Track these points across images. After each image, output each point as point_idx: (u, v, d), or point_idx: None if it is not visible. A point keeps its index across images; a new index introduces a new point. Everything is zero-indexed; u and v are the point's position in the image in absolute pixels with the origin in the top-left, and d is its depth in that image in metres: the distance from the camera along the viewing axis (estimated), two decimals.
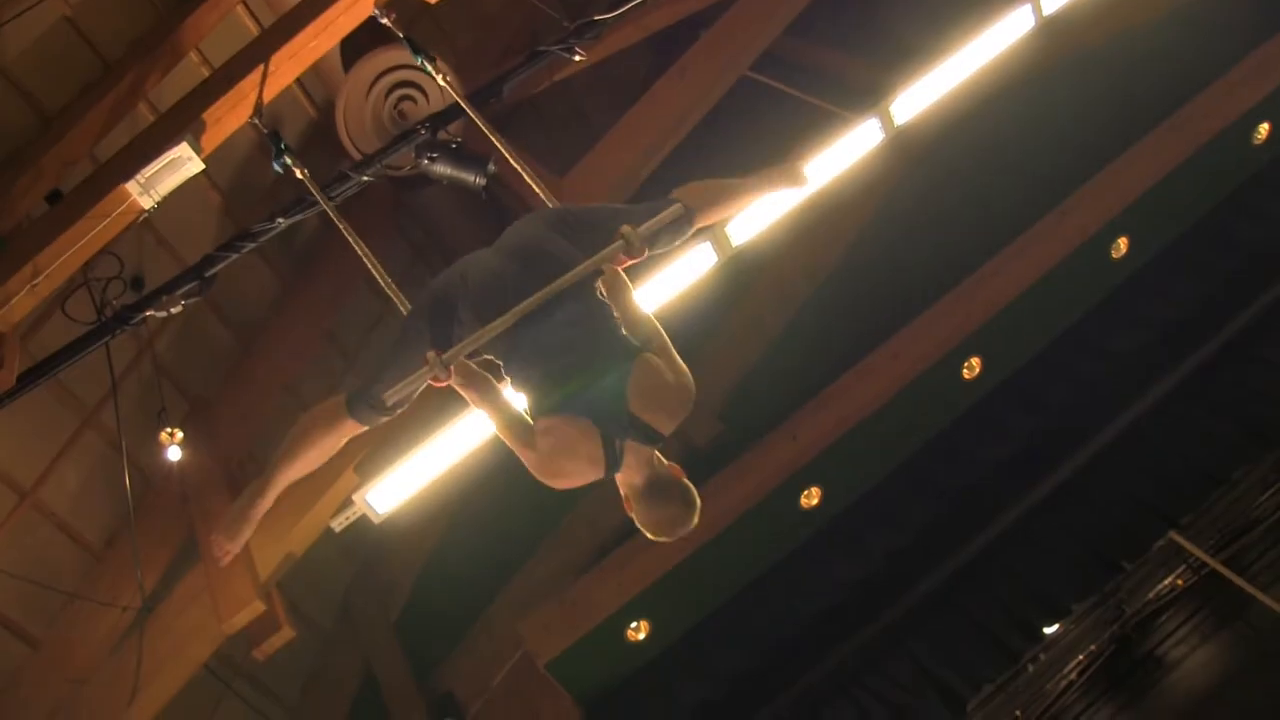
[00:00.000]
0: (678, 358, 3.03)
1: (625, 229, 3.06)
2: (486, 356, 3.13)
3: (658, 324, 3.09)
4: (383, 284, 3.65)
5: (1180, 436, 7.55)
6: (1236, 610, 8.31)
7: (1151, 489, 7.46)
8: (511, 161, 3.99)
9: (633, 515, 3.03)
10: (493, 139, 4.15)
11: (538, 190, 3.83)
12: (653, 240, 3.18)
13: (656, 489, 2.97)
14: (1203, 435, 7.53)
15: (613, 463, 2.92)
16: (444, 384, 2.97)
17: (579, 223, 3.22)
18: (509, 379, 3.10)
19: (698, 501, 2.99)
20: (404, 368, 3.05)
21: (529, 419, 2.96)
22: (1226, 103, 7.44)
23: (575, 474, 2.95)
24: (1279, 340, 7.70)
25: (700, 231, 3.50)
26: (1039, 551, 7.37)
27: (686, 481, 3.00)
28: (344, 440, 3.29)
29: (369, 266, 3.67)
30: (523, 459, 2.95)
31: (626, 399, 2.91)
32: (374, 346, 8.00)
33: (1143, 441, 7.55)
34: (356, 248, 3.82)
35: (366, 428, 3.24)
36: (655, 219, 3.16)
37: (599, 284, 3.14)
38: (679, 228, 3.30)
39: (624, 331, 3.06)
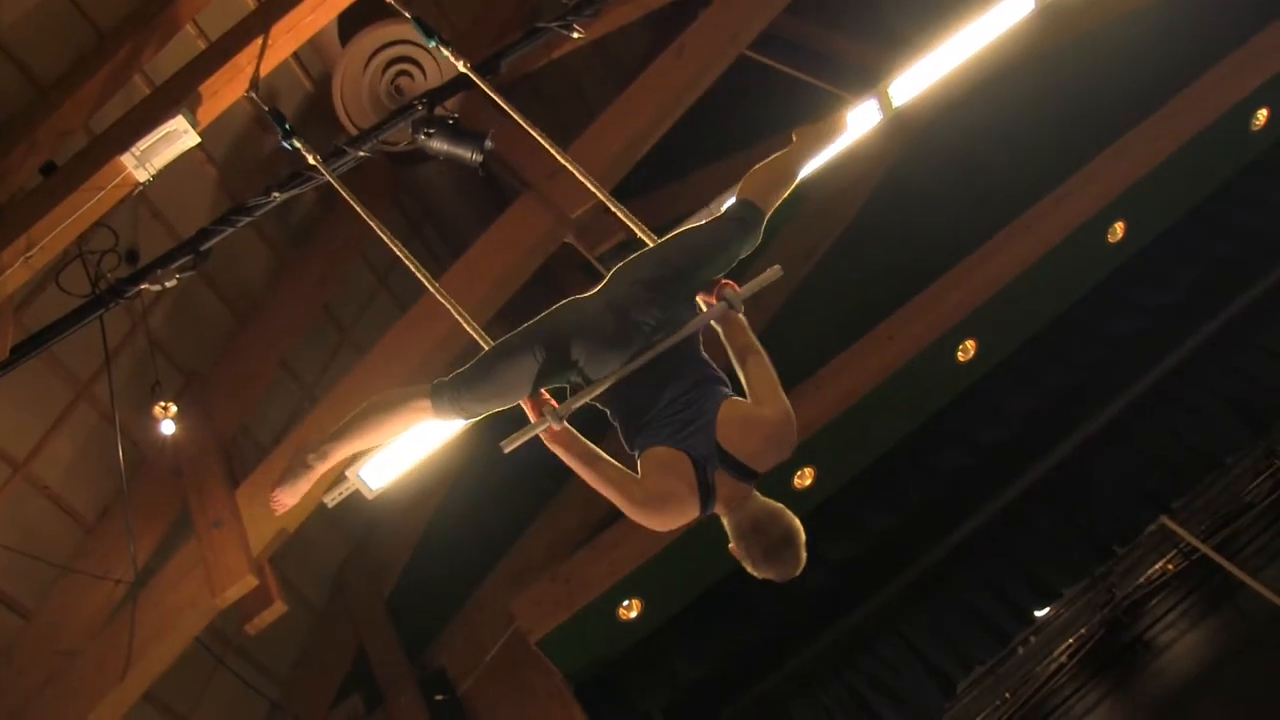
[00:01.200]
0: (783, 395, 3.19)
1: (729, 292, 3.26)
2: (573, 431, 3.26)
3: (769, 364, 3.27)
4: (398, 253, 3.67)
5: (1173, 421, 7.56)
6: (1226, 595, 8.36)
7: (1144, 473, 7.47)
8: (525, 127, 3.97)
9: (737, 557, 3.10)
10: (504, 107, 4.14)
11: (554, 153, 3.83)
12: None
13: (752, 524, 3.04)
14: (1196, 420, 7.54)
15: (705, 491, 3.04)
16: (556, 431, 3.12)
17: (678, 276, 3.28)
18: (613, 420, 3.25)
19: (799, 536, 3.05)
20: (498, 393, 3.17)
21: (626, 470, 3.08)
22: (1225, 88, 7.42)
23: (674, 501, 3.04)
24: (1273, 326, 7.71)
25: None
26: (1031, 534, 7.39)
27: (788, 517, 3.07)
28: (414, 425, 3.39)
29: (374, 240, 3.65)
30: (624, 507, 3.07)
31: (715, 432, 3.06)
32: (369, 321, 7.99)
33: (1136, 426, 7.56)
34: (368, 219, 3.82)
35: (441, 421, 3.34)
36: (755, 283, 3.28)
37: (717, 325, 3.32)
38: (756, 233, 3.43)
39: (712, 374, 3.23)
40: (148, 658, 5.25)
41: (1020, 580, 7.31)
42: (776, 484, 6.74)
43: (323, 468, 3.44)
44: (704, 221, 3.48)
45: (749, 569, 3.09)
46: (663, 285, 3.24)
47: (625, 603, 6.59)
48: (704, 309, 3.30)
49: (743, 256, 3.40)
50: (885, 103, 5.69)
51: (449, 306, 3.59)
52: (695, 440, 3.05)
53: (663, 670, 6.77)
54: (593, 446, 3.13)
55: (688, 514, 3.07)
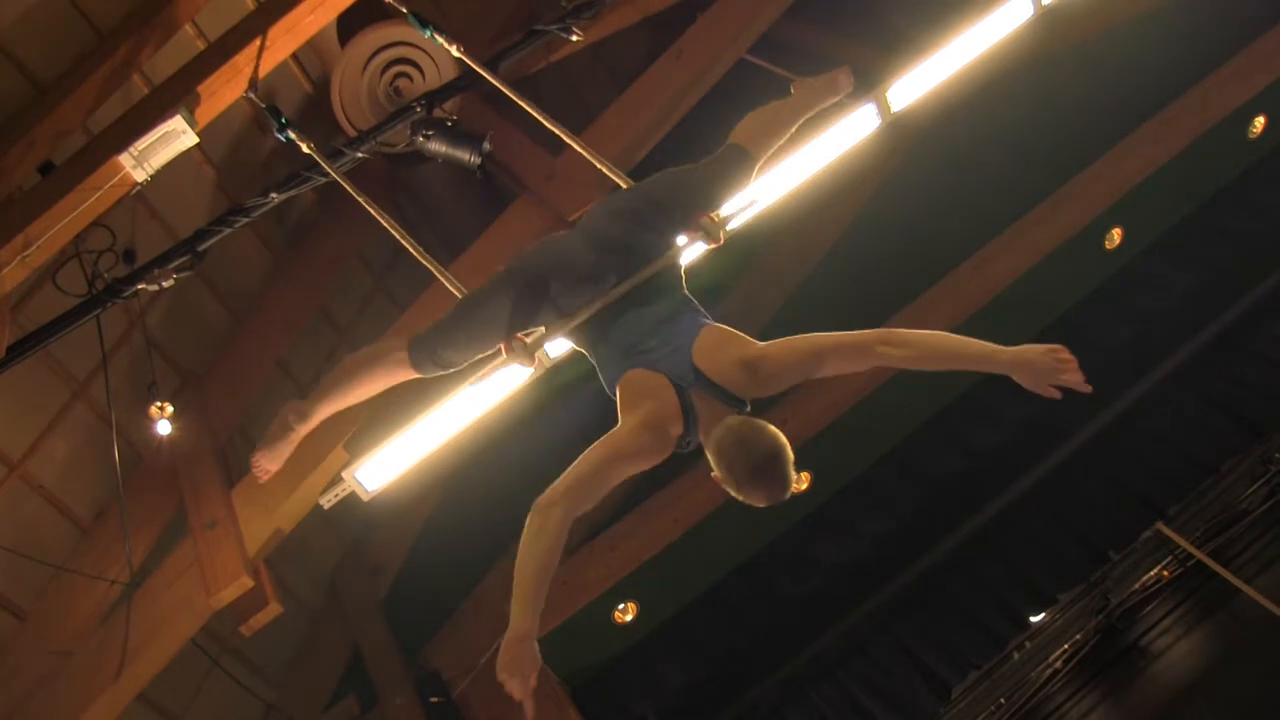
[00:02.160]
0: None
1: (706, 220, 3.15)
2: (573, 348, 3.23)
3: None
4: (404, 243, 3.67)
5: (1169, 427, 7.58)
6: (1221, 601, 8.36)
7: (1140, 479, 7.49)
8: (535, 115, 3.97)
9: (720, 482, 2.86)
10: (515, 99, 4.14)
11: (572, 143, 3.83)
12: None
13: (736, 439, 2.79)
14: (1192, 426, 7.56)
15: (687, 411, 2.88)
16: (529, 367, 3.05)
17: (658, 208, 3.24)
18: (587, 354, 3.17)
19: (787, 453, 2.79)
20: (475, 338, 3.11)
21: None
22: (1222, 95, 7.44)
23: (656, 420, 2.87)
24: (1270, 333, 7.73)
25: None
26: (1026, 539, 7.40)
27: (773, 432, 2.80)
28: (395, 382, 3.32)
29: (376, 237, 3.66)
30: (611, 449, 2.87)
31: (690, 355, 2.94)
32: (367, 321, 7.98)
33: (1132, 432, 7.58)
34: (373, 212, 3.83)
35: (422, 376, 3.27)
36: (734, 213, 3.23)
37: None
38: (745, 177, 3.37)
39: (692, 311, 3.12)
40: (142, 658, 5.24)
41: (1015, 585, 7.33)
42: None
43: (304, 429, 3.39)
44: (691, 163, 3.43)
45: (733, 492, 2.84)
46: (640, 217, 3.20)
47: (621, 606, 6.60)
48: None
49: (729, 198, 3.33)
50: (884, 107, 5.69)
51: (456, 293, 3.54)
52: (671, 362, 2.94)
53: (658, 673, 6.78)
54: None
55: (671, 431, 2.87)
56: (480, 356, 3.16)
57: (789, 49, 7.93)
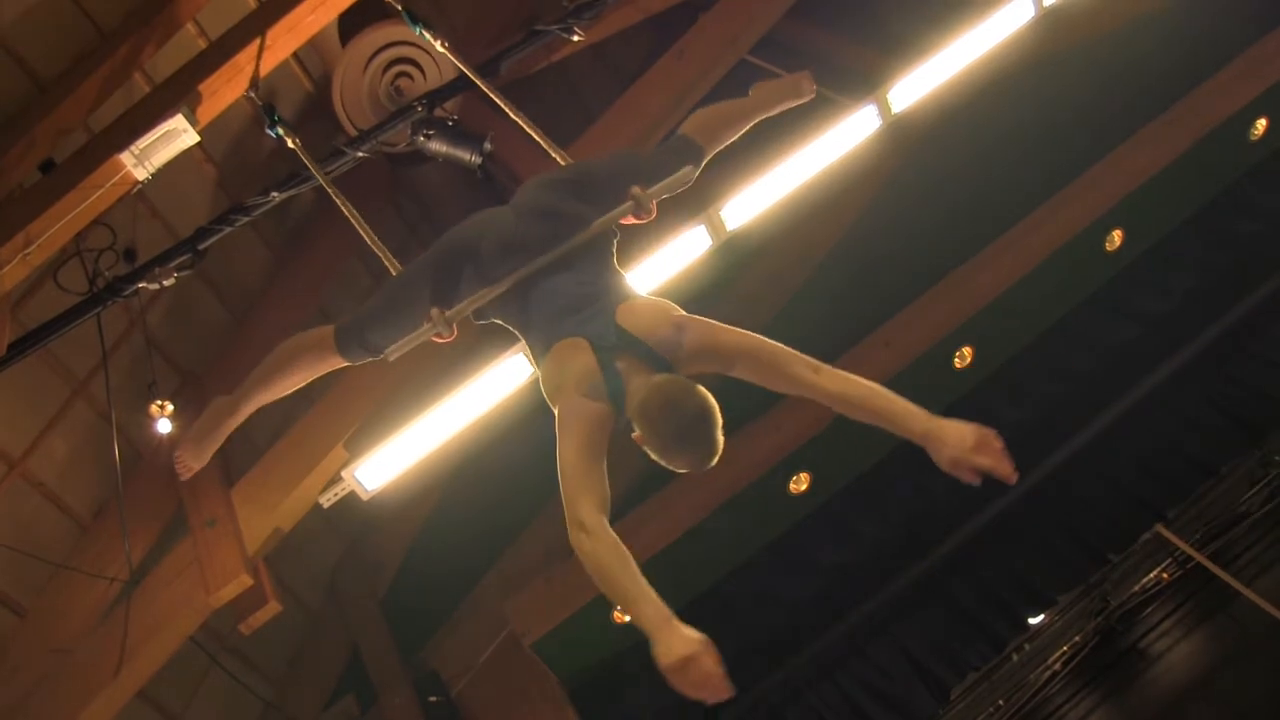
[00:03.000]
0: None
1: (635, 191, 3.05)
2: (495, 320, 3.13)
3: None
4: (381, 257, 3.65)
5: (1169, 430, 7.57)
6: (1221, 604, 8.37)
7: (1139, 482, 7.48)
8: (525, 128, 3.97)
9: (643, 445, 2.73)
10: (499, 102, 4.14)
11: (552, 154, 3.82)
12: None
13: (662, 400, 2.65)
14: (1192, 429, 7.56)
15: (610, 374, 2.76)
16: (447, 340, 2.96)
17: (591, 181, 3.18)
18: (517, 332, 3.10)
19: (715, 414, 2.67)
20: (402, 316, 3.03)
21: None
22: (1224, 97, 7.44)
23: (581, 389, 2.75)
24: (1270, 335, 7.73)
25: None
26: (1026, 541, 7.40)
27: (701, 392, 2.67)
28: (323, 372, 3.26)
29: (365, 240, 3.65)
30: (565, 442, 2.75)
31: (614, 315, 2.86)
32: None
33: (1132, 434, 7.57)
34: (351, 219, 3.82)
35: (350, 364, 3.21)
36: (664, 183, 3.12)
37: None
38: (690, 170, 3.24)
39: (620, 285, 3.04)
40: (142, 656, 5.25)
41: (1015, 587, 7.32)
42: (772, 489, 6.76)
43: (233, 423, 3.37)
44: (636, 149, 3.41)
45: (656, 457, 2.70)
46: (573, 188, 3.13)
47: (620, 606, 6.59)
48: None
49: (673, 189, 3.20)
50: (884, 108, 5.70)
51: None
52: (592, 324, 2.84)
53: (657, 674, 6.75)
54: None
55: (597, 400, 2.73)
56: (409, 339, 3.04)
57: (790, 50, 7.93)
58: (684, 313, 2.88)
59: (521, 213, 3.12)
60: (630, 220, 3.12)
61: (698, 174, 3.28)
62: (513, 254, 2.98)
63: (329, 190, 4.09)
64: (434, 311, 2.92)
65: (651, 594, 2.54)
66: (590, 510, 2.64)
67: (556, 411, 2.78)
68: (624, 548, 2.61)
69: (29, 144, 4.75)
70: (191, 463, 3.46)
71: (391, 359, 2.99)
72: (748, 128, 3.56)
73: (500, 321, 3.13)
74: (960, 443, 2.60)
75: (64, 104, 4.87)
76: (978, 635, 7.21)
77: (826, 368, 2.76)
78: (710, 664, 2.41)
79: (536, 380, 4.21)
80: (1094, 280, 7.53)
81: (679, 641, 2.45)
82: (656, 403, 2.65)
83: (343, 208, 3.88)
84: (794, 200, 5.70)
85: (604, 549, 2.62)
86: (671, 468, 2.72)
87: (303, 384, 3.30)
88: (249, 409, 3.35)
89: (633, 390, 2.73)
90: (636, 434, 2.71)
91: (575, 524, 2.65)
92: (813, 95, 3.71)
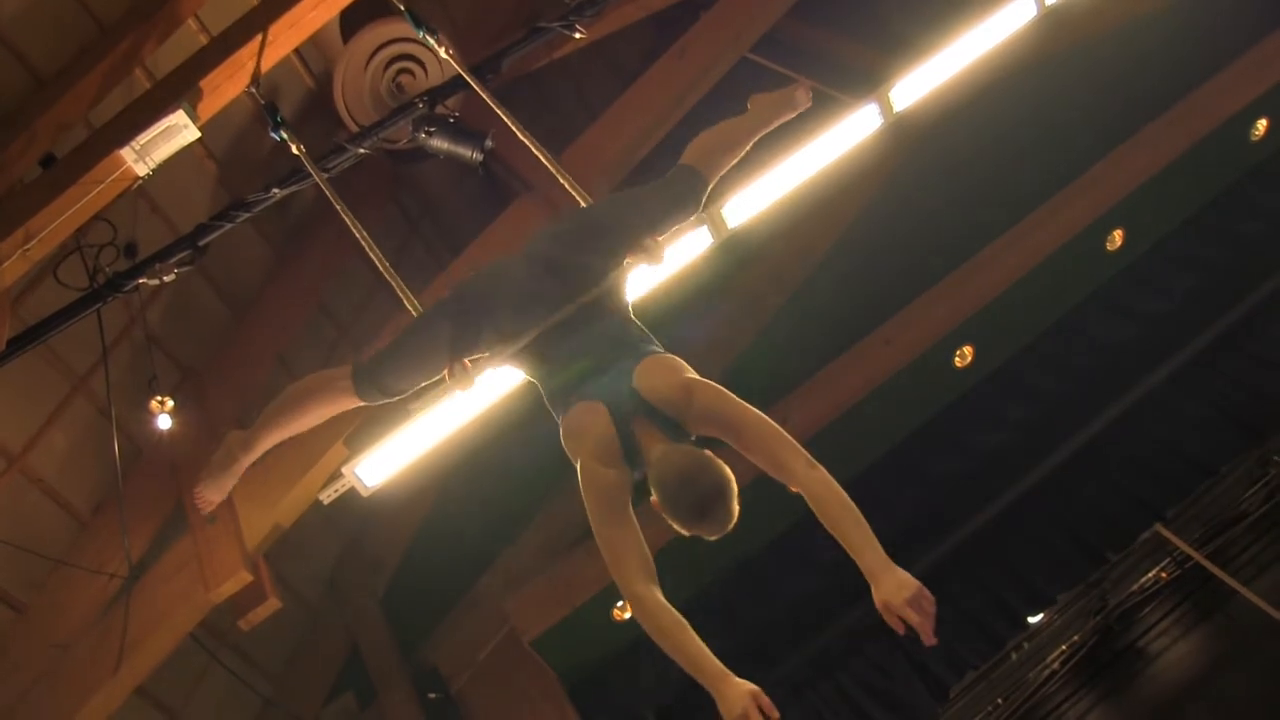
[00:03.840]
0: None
1: (647, 241, 3.10)
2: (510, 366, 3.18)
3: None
4: (374, 258, 3.66)
5: (1169, 429, 7.57)
6: (1219, 604, 8.36)
7: (1139, 481, 7.49)
8: (516, 132, 3.97)
9: (661, 512, 2.82)
10: (496, 110, 4.14)
11: (544, 161, 3.82)
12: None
13: (679, 475, 2.73)
14: (1191, 428, 7.56)
15: (627, 441, 2.85)
16: (466, 390, 3.03)
17: (600, 230, 3.21)
18: (535, 381, 3.13)
19: (732, 487, 2.74)
20: (419, 362, 3.08)
21: None
22: (1225, 97, 7.43)
23: (589, 452, 2.86)
24: (1270, 335, 7.73)
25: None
26: (1025, 540, 7.40)
27: (718, 465, 2.73)
28: (339, 411, 3.27)
29: (361, 240, 3.65)
30: (591, 506, 2.93)
31: (632, 379, 2.90)
32: (367, 318, 7.98)
33: (1131, 433, 7.58)
34: (348, 221, 3.82)
35: (365, 404, 3.22)
36: (672, 230, 3.22)
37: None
38: (696, 202, 3.30)
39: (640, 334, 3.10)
40: (141, 652, 5.25)
41: (1014, 586, 7.32)
42: (772, 487, 6.74)
43: (248, 460, 3.34)
44: (641, 185, 3.39)
45: (676, 526, 2.79)
46: (583, 239, 3.16)
47: (620, 603, 6.60)
48: None
49: (677, 221, 3.28)
50: (886, 107, 5.69)
51: (409, 305, 3.54)
52: (610, 388, 2.89)
53: (656, 671, 6.77)
54: None
55: (613, 466, 2.83)
56: (425, 383, 3.13)
57: (792, 48, 7.94)
58: (694, 375, 2.92)
59: (534, 265, 3.14)
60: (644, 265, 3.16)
61: (702, 208, 3.33)
62: (528, 307, 3.02)
63: (329, 194, 4.08)
64: (455, 366, 3.00)
65: (708, 653, 2.75)
66: (639, 583, 2.79)
67: (580, 472, 2.88)
68: (677, 613, 2.78)
69: (29, 139, 4.74)
70: (211, 497, 3.44)
71: (415, 413, 3.06)
72: (749, 148, 3.56)
73: (517, 368, 3.17)
74: (897, 591, 2.64)
75: (64, 99, 4.87)
76: (977, 634, 7.21)
77: (821, 469, 2.85)
78: (766, 707, 2.68)
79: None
80: (1094, 279, 7.53)
81: (736, 696, 2.69)
82: (673, 477, 2.73)
83: (342, 213, 3.89)
84: (795, 198, 5.69)
85: (662, 619, 2.80)
86: (686, 533, 2.82)
87: (318, 422, 3.30)
88: (264, 446, 3.32)
89: (649, 456, 2.83)
90: (654, 499, 2.80)
91: (631, 596, 2.82)
92: (809, 105, 3.69)
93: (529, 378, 3.16)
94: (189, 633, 5.58)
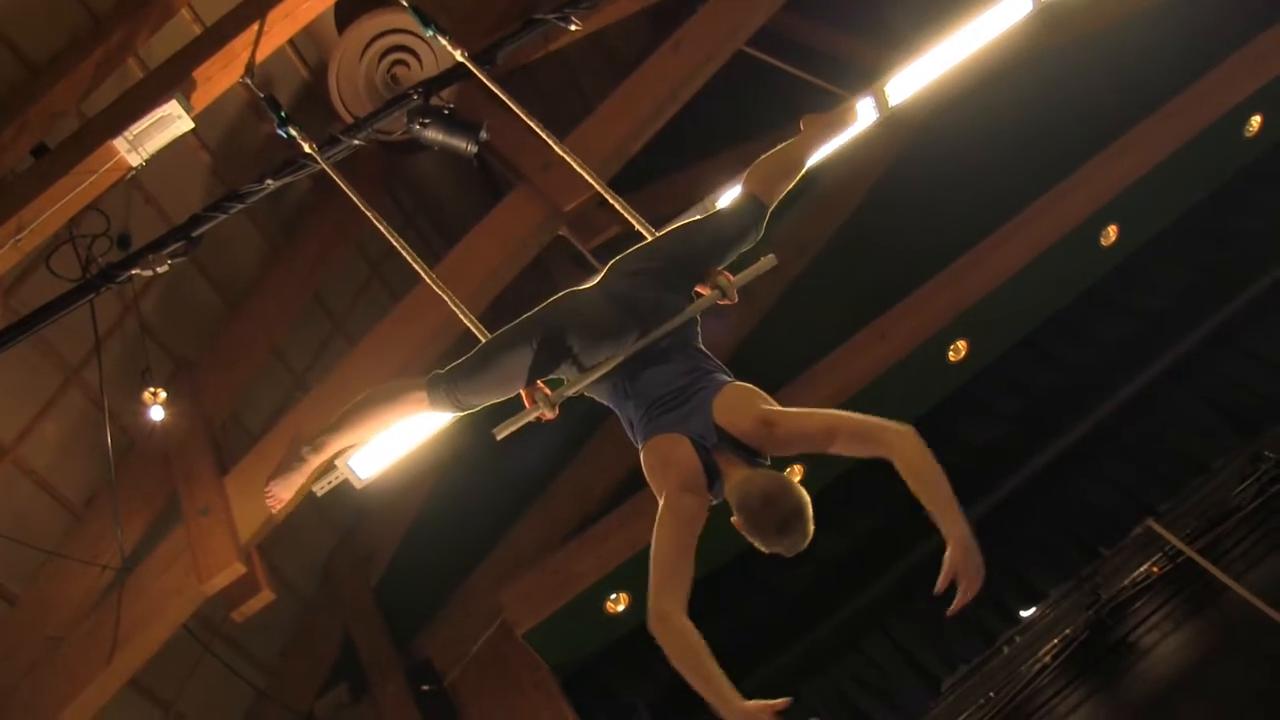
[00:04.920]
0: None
1: (721, 280, 3.23)
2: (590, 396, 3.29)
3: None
4: (394, 242, 3.67)
5: (1161, 425, 7.59)
6: (1210, 599, 8.39)
7: (1131, 476, 7.50)
8: (523, 119, 3.96)
9: (744, 532, 3.01)
10: (502, 97, 4.13)
11: (553, 146, 3.82)
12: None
13: (762, 498, 2.93)
14: (1184, 424, 7.58)
15: (710, 470, 2.99)
16: (550, 419, 3.14)
17: (675, 264, 3.29)
18: (615, 409, 3.24)
19: (808, 507, 2.97)
20: (497, 382, 3.18)
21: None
22: (1219, 94, 7.43)
23: (679, 483, 2.99)
24: (1262, 331, 7.74)
25: None
26: (1017, 534, 7.42)
27: (796, 488, 2.97)
28: (409, 418, 3.39)
29: (368, 228, 3.65)
30: (660, 523, 3.04)
31: (711, 413, 3.02)
32: (361, 310, 7.98)
33: (1124, 429, 7.60)
34: (359, 203, 3.81)
35: (437, 414, 3.33)
36: (749, 271, 3.28)
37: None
38: (759, 230, 3.42)
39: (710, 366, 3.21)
40: (134, 644, 5.24)
41: (1006, 580, 7.34)
42: None
43: (317, 461, 3.44)
44: (705, 214, 3.49)
45: (758, 545, 2.99)
46: (660, 275, 3.25)
47: (613, 596, 6.60)
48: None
49: (745, 249, 3.38)
50: (882, 101, 5.69)
51: (443, 295, 3.58)
52: (691, 421, 3.02)
53: (649, 664, 6.77)
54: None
55: (696, 495, 2.99)
56: (496, 400, 3.22)
57: (788, 43, 7.93)
58: (772, 405, 3.08)
59: (611, 299, 3.23)
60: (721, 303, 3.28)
61: (764, 229, 3.43)
62: (605, 342, 3.13)
63: (342, 186, 4.07)
64: (539, 392, 3.12)
65: (721, 674, 2.87)
66: (675, 603, 2.95)
67: (661, 500, 3.00)
68: (698, 635, 2.91)
69: (21, 128, 4.72)
70: (283, 495, 3.59)
71: (500, 438, 3.15)
72: (807, 169, 3.66)
73: (595, 396, 3.27)
74: (970, 559, 3.00)
75: (57, 88, 4.85)
76: (969, 628, 7.23)
77: (905, 427, 3.09)
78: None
79: None
80: (1088, 275, 7.53)
81: (748, 713, 2.81)
82: (757, 500, 2.92)
83: (352, 197, 3.87)
84: (792, 191, 5.68)
85: (686, 639, 2.92)
86: (765, 550, 3.00)
87: (388, 429, 3.49)
88: (334, 449, 3.43)
89: (731, 483, 2.99)
90: (735, 520, 2.97)
91: (659, 613, 2.94)
92: (857, 120, 3.85)
93: (606, 404, 3.27)
94: (182, 624, 5.56)
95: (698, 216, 3.51)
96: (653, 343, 3.11)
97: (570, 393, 3.13)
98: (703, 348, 3.28)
